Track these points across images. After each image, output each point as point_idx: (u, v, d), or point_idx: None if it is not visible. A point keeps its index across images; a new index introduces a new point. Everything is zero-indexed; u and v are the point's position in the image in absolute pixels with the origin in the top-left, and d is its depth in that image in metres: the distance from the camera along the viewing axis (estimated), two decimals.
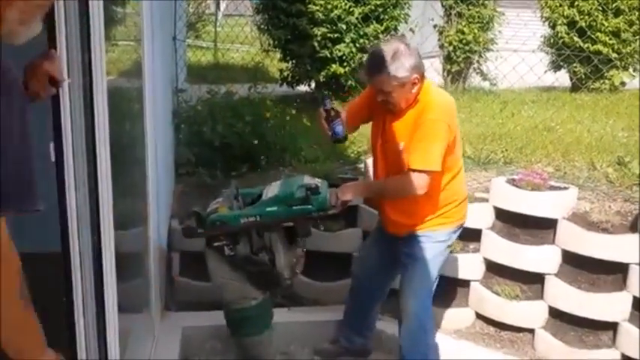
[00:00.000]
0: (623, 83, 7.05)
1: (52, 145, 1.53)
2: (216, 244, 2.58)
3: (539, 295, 3.23)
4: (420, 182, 2.47)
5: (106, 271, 1.75)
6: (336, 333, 3.13)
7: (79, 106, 1.55)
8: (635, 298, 2.98)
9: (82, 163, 1.58)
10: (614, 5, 6.72)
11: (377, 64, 2.47)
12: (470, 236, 3.25)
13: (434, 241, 2.66)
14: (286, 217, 2.57)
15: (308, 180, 2.65)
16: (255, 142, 4.20)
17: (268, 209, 2.54)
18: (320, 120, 2.68)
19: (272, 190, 2.64)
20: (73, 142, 1.54)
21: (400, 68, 2.43)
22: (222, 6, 12.34)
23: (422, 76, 2.51)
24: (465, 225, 2.83)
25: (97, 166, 1.66)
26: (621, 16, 6.77)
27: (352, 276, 3.09)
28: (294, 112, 5.03)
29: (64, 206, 1.56)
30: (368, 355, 3.09)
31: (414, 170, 2.47)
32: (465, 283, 3.40)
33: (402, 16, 6.37)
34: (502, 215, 3.35)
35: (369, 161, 3.72)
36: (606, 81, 6.84)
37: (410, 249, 2.68)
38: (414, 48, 2.56)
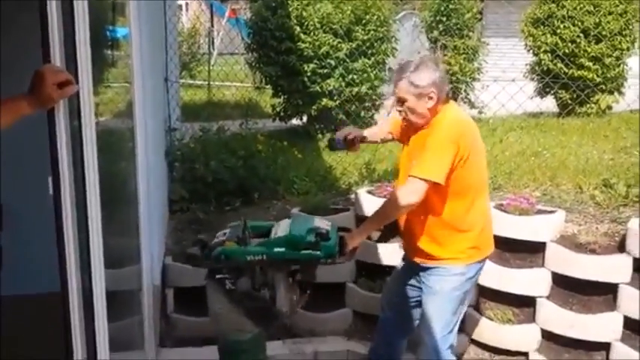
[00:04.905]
0: (609, 107, 7.18)
1: (49, 179, 1.57)
2: (218, 276, 2.55)
3: (532, 319, 3.25)
4: (412, 188, 2.44)
5: (97, 310, 1.76)
6: None
7: (68, 150, 1.59)
8: (626, 317, 3.01)
9: (72, 203, 1.62)
10: (596, 31, 6.90)
11: (401, 70, 2.56)
12: None
13: (451, 274, 2.59)
14: (293, 259, 2.51)
15: (318, 222, 2.61)
16: (248, 176, 4.26)
17: (276, 250, 2.47)
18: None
19: (282, 229, 2.59)
20: (68, 181, 1.58)
21: (419, 78, 2.48)
22: (216, 44, 12.58)
23: (440, 95, 2.52)
24: None
25: (86, 206, 1.69)
26: (603, 42, 6.95)
27: (381, 308, 2.98)
28: (285, 143, 5.12)
29: (63, 243, 1.59)
30: None
31: (411, 176, 2.46)
32: None
33: (390, 49, 6.53)
34: None
35: (360, 192, 3.79)
36: (593, 105, 6.97)
37: (427, 280, 2.64)
38: (442, 68, 2.62)
